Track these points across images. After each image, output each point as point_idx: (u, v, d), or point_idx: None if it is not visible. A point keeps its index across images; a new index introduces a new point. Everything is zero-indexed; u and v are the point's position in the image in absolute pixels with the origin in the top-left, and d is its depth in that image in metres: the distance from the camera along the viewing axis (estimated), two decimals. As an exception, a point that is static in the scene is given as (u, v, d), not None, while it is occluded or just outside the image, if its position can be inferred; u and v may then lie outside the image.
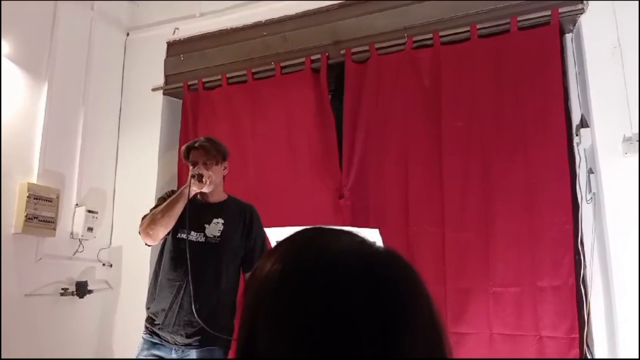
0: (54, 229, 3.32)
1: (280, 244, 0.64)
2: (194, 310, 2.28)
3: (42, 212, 3.23)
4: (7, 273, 3.05)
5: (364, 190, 3.19)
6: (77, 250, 3.52)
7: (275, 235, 2.53)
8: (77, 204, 3.57)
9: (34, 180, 3.26)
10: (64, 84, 3.54)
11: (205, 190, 2.42)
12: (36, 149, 3.32)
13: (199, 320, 2.27)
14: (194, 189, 2.37)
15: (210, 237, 2.40)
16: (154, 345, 2.36)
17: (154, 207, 2.48)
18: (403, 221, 3.05)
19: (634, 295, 2.47)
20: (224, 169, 2.50)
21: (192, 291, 2.28)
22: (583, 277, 2.70)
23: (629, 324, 2.47)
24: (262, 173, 3.48)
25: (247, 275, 2.45)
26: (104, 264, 3.74)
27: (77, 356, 3.42)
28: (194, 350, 2.31)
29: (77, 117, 3.67)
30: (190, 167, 2.42)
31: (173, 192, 2.54)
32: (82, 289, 3.47)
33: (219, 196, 2.52)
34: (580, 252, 2.72)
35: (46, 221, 3.26)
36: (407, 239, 3.00)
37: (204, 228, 2.41)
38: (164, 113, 3.92)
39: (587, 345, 2.64)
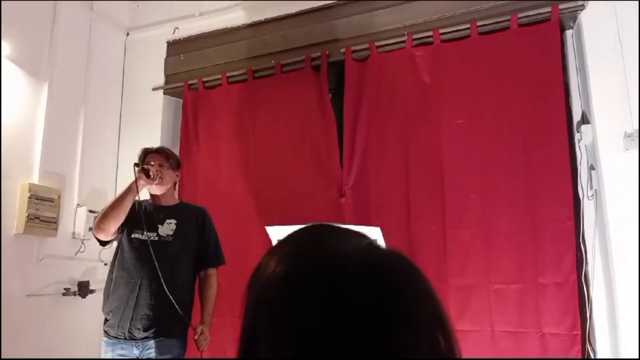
0: (56, 229, 3.32)
1: (282, 242, 0.64)
2: (151, 304, 2.41)
3: (43, 212, 3.23)
4: (9, 273, 3.05)
5: (365, 188, 3.19)
6: (78, 250, 3.51)
7: (276, 233, 2.53)
8: (78, 204, 3.57)
9: (35, 180, 3.26)
10: (64, 84, 3.54)
11: (155, 191, 2.60)
12: (37, 149, 3.32)
13: (177, 310, 2.40)
14: (142, 183, 2.49)
15: (164, 236, 2.54)
16: (115, 345, 2.44)
17: None
18: (404, 219, 3.05)
19: (635, 291, 2.47)
20: (176, 176, 2.71)
21: (148, 286, 2.42)
22: (585, 273, 2.70)
23: (631, 320, 2.47)
24: (263, 172, 3.48)
25: (202, 274, 2.59)
26: (105, 264, 3.72)
27: (80, 356, 3.42)
28: (152, 341, 2.40)
29: (78, 117, 3.66)
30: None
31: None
32: (84, 289, 3.48)
33: (171, 200, 2.70)
34: (582, 248, 2.72)
35: (47, 221, 3.26)
36: (408, 236, 3.01)
37: (157, 228, 2.55)
38: (164, 113, 3.92)
39: (589, 342, 2.64)
